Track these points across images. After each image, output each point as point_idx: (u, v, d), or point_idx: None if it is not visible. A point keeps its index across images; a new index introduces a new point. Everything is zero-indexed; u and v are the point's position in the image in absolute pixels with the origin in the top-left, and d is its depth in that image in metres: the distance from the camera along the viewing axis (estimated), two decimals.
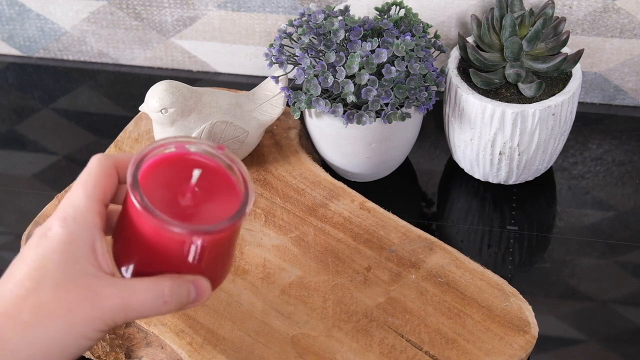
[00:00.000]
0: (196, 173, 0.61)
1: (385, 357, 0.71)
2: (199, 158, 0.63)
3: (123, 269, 0.63)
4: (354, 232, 0.80)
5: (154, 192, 0.61)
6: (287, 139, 0.89)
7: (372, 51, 0.81)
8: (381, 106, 0.80)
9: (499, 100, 0.83)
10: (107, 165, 0.62)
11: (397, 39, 0.82)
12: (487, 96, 0.83)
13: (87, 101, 1.03)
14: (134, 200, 0.59)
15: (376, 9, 0.87)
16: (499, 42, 0.84)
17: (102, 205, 0.61)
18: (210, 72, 1.05)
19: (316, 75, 0.80)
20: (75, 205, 0.60)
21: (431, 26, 0.88)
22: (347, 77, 0.81)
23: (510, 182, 0.89)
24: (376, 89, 0.79)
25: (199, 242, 0.61)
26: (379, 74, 0.81)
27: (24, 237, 0.81)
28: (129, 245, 0.62)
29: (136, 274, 0.62)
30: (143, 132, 0.90)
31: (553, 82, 0.85)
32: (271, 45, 0.85)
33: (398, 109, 0.82)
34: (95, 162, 0.62)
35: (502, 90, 0.84)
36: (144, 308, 0.60)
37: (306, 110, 0.84)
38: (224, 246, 0.63)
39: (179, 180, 0.62)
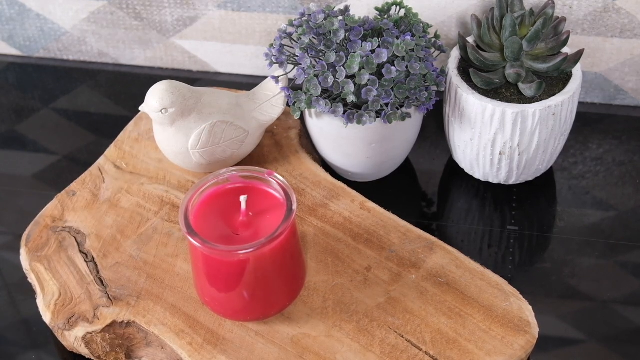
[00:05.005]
0: (243, 199, 0.71)
1: (387, 357, 0.71)
2: (239, 185, 0.73)
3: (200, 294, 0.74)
4: (354, 232, 0.80)
5: (208, 226, 0.71)
6: (287, 139, 0.89)
7: (372, 51, 0.81)
8: (381, 106, 0.80)
9: (499, 100, 0.83)
10: None
11: (397, 39, 0.82)
12: (487, 96, 0.83)
13: (87, 101, 1.03)
14: (192, 241, 0.69)
15: (376, 9, 0.87)
16: (499, 42, 0.84)
17: None
18: (210, 72, 1.05)
19: (316, 75, 0.80)
20: None
21: (431, 26, 0.88)
22: (347, 77, 0.81)
23: (511, 182, 0.89)
24: (376, 89, 0.79)
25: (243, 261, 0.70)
26: (379, 74, 0.81)
27: (24, 237, 0.81)
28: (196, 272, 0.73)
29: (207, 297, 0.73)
30: (143, 132, 0.90)
31: (553, 82, 0.85)
32: (271, 45, 0.85)
33: (398, 109, 0.82)
34: None
35: (502, 90, 0.84)
36: None
37: (306, 110, 0.84)
38: (271, 261, 0.70)
39: (228, 209, 0.72)
